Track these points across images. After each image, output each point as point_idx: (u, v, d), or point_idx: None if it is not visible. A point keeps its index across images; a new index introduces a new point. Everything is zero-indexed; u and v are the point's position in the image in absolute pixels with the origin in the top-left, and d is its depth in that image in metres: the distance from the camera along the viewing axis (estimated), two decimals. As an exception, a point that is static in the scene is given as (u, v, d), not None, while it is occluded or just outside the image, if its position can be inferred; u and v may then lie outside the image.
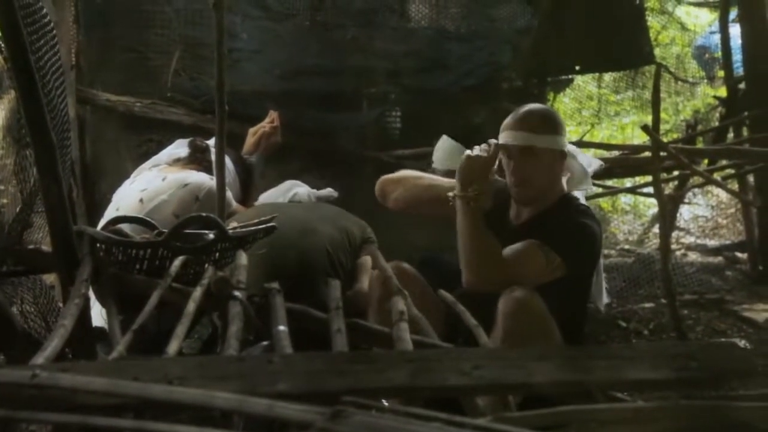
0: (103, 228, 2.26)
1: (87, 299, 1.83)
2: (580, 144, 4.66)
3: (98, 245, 2.02)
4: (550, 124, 2.90)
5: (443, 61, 4.90)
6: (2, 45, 2.21)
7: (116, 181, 3.56)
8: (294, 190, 3.60)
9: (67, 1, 4.27)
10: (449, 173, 2.96)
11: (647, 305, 4.70)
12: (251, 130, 3.87)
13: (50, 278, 2.83)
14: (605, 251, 5.71)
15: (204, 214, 2.20)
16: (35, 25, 2.25)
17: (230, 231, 2.13)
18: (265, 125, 3.87)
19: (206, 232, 2.09)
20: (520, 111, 2.95)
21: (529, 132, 2.85)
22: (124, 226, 2.25)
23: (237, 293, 1.75)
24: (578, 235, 2.80)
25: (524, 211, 2.95)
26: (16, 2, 1.94)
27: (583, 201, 3.07)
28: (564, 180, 2.97)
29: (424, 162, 4.62)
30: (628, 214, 6.61)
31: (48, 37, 2.48)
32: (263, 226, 2.23)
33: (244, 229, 2.20)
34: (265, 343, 1.68)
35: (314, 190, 3.65)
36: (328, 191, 3.68)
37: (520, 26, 4.93)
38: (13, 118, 2.80)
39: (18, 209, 2.27)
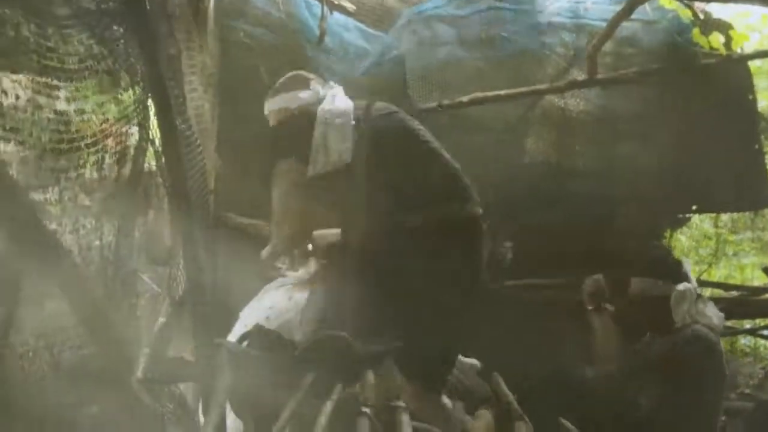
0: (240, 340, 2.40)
1: (224, 409, 1.96)
2: (698, 283, 4.61)
3: (236, 357, 2.16)
4: None
5: (559, 197, 4.97)
6: (161, 169, 2.45)
7: (244, 299, 3.72)
8: None
9: (211, 132, 4.58)
10: None
11: (769, 453, 4.50)
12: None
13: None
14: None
15: (336, 333, 2.31)
16: (191, 154, 2.48)
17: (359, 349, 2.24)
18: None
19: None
20: None
21: None
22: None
23: (365, 409, 1.85)
24: None
25: None
26: (181, 135, 2.17)
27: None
28: None
29: (534, 293, 4.68)
30: (748, 356, 6.40)
31: (198, 166, 2.73)
32: (390, 346, 2.33)
33: (372, 348, 2.30)
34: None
35: None
36: None
37: (639, 164, 4.98)
38: (154, 241, 3.03)
39: (163, 323, 2.46)
